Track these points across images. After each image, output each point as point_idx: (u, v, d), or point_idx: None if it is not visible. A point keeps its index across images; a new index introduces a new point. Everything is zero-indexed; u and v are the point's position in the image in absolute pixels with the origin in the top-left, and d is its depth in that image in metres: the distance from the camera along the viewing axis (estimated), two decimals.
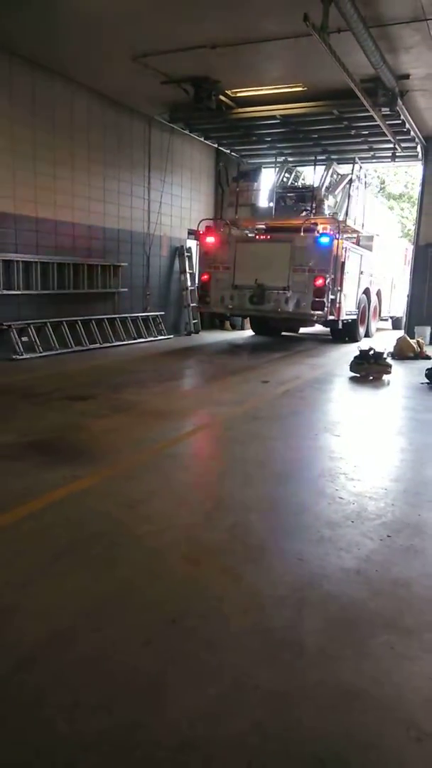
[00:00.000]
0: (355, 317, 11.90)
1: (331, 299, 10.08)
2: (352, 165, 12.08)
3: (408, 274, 15.78)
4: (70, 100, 9.50)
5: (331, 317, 10.27)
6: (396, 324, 17.21)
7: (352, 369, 7.97)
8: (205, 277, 11.00)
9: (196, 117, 10.84)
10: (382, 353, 8.11)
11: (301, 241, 10.07)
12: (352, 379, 7.80)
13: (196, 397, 6.27)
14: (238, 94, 9.95)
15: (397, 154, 12.29)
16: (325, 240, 9.90)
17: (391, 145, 11.65)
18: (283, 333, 13.21)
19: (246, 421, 5.42)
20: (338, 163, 12.88)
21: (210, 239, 10.96)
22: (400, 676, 2.05)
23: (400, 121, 10.17)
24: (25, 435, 4.58)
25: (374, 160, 14.39)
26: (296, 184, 13.48)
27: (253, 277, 10.33)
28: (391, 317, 16.76)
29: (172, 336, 12.12)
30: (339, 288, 10.27)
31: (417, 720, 1.84)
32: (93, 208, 10.27)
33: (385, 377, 7.85)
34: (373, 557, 2.85)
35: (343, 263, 10.39)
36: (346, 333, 11.95)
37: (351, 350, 9.67)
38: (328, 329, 12.60)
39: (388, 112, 9.55)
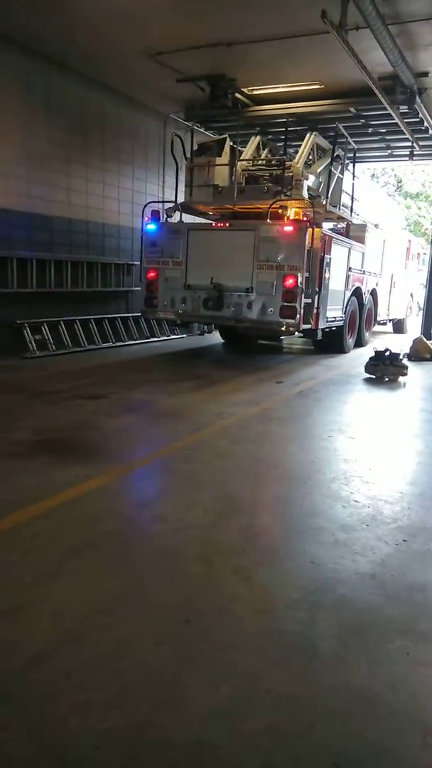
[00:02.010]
0: (341, 324, 9.68)
1: (306, 303, 7.93)
2: (334, 133, 9.40)
3: (410, 269, 14.65)
4: (85, 97, 9.52)
5: (306, 326, 8.08)
6: (398, 327, 15.32)
7: (367, 370, 7.90)
8: (152, 274, 8.85)
9: (211, 115, 10.78)
10: (398, 354, 8.03)
11: (266, 231, 7.88)
12: (368, 380, 7.74)
13: (209, 396, 6.25)
14: (255, 92, 9.90)
15: (415, 152, 12.12)
16: (296, 228, 7.74)
17: (409, 144, 11.50)
18: (261, 341, 10.95)
19: (260, 421, 5.39)
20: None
21: (155, 228, 8.86)
22: (416, 682, 2.02)
23: (418, 119, 10.04)
24: (38, 433, 4.60)
25: (392, 159, 14.25)
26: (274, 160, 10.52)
27: (209, 275, 8.26)
28: (392, 320, 14.46)
29: (185, 335, 12.11)
30: (317, 289, 8.20)
31: None
32: (107, 206, 10.29)
33: (401, 379, 7.77)
34: (389, 561, 2.82)
35: (323, 258, 8.30)
36: (329, 344, 9.71)
37: (348, 359, 9.58)
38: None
39: (406, 110, 9.43)
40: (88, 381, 6.94)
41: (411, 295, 15.72)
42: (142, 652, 2.11)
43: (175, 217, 9.22)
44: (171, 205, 9.28)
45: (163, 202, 9.55)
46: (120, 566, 2.69)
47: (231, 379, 7.29)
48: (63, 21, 7.39)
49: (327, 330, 9.05)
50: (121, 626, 2.25)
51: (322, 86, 9.40)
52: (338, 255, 9.16)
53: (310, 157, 9.38)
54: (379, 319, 12.48)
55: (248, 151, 9.76)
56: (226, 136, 9.37)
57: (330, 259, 8.63)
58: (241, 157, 9.54)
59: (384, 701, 1.91)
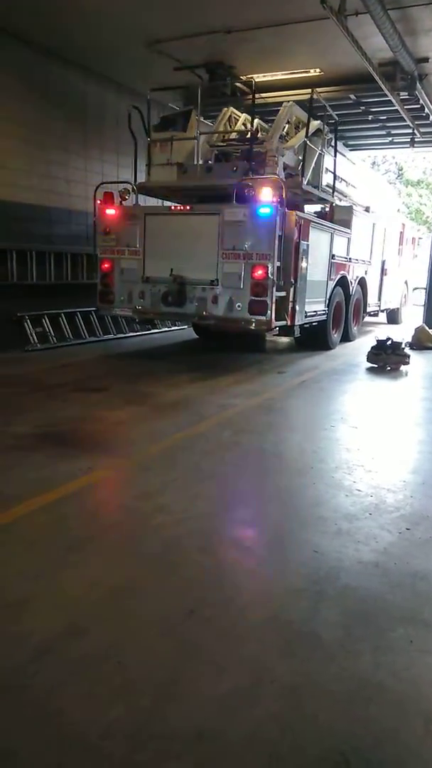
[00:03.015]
0: (323, 318, 8.64)
1: (279, 297, 6.99)
2: (309, 101, 8.01)
3: (404, 255, 13.68)
4: (83, 88, 9.45)
5: (280, 323, 7.15)
6: (392, 317, 14.36)
7: (369, 359, 7.88)
8: (106, 265, 7.80)
9: (210, 103, 10.66)
10: (400, 343, 8.00)
11: (233, 214, 6.86)
12: (370, 369, 7.72)
13: (211, 387, 6.24)
14: (254, 79, 9.80)
15: (416, 139, 12.03)
16: (265, 211, 6.68)
17: (410, 131, 11.42)
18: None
19: (262, 411, 5.39)
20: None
21: (110, 211, 7.73)
22: (419, 670, 2.02)
23: (419, 106, 9.97)
24: (40, 426, 4.59)
25: (393, 146, 14.14)
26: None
27: (169, 266, 7.27)
28: (385, 310, 13.30)
29: (187, 326, 12.08)
30: (292, 280, 7.18)
31: None
32: None
33: (403, 368, 7.75)
34: (392, 550, 2.82)
35: (298, 244, 7.25)
36: (311, 340, 8.84)
37: (349, 351, 9.54)
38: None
39: (407, 97, 9.36)
40: (90, 373, 6.93)
41: (406, 282, 14.72)
42: (145, 643, 2.11)
43: (131, 200, 7.99)
44: (125, 186, 7.96)
45: (117, 182, 8.22)
46: (123, 558, 2.70)
47: (233, 370, 7.27)
48: (60, 9, 7.32)
49: (307, 326, 8.11)
50: (125, 617, 2.25)
51: (322, 73, 9.32)
52: (318, 241, 8.12)
53: (286, 131, 8.22)
54: (369, 310, 11.50)
55: (219, 125, 8.61)
56: (192, 108, 7.82)
57: (307, 245, 7.55)
58: (212, 131, 8.50)
59: (388, 689, 1.92)
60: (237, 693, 1.88)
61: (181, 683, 1.92)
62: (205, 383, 6.43)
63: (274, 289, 6.76)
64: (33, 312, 8.55)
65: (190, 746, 1.67)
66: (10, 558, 2.67)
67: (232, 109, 8.81)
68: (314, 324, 8.39)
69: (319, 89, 9.65)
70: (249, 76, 9.63)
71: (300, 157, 8.18)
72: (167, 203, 8.79)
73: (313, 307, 8.12)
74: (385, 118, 11.36)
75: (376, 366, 7.76)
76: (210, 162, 8.14)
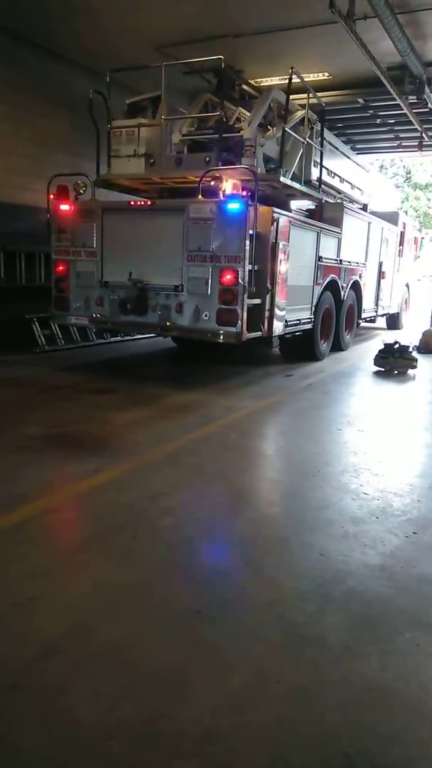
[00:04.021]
0: (309, 327, 7.81)
1: (254, 305, 6.18)
2: (288, 78, 6.81)
3: (406, 257, 12.96)
4: (88, 91, 9.45)
5: (254, 334, 6.25)
6: (392, 322, 13.45)
7: (376, 363, 7.86)
8: (61, 268, 6.96)
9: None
10: (408, 347, 7.98)
11: (198, 210, 6.04)
12: (377, 373, 7.70)
13: (218, 390, 6.26)
14: (262, 84, 9.84)
15: (425, 143, 12.03)
16: (233, 207, 5.83)
17: (418, 134, 11.43)
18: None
19: (269, 414, 5.39)
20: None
21: (63, 207, 6.90)
22: (426, 673, 2.02)
23: (427, 110, 9.97)
24: (48, 428, 4.62)
25: (401, 150, 14.14)
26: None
27: (128, 270, 6.43)
28: (384, 315, 12.47)
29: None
30: (268, 286, 6.41)
31: None
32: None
33: (411, 372, 7.73)
34: (398, 554, 2.81)
35: (275, 245, 6.45)
36: (296, 350, 8.12)
37: (350, 355, 9.50)
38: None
39: (415, 101, 9.37)
40: (98, 375, 6.96)
41: (407, 286, 13.88)
42: (152, 643, 2.12)
43: (88, 195, 7.05)
44: (81, 179, 6.97)
45: (72, 174, 7.03)
46: (130, 558, 2.71)
47: (240, 373, 7.28)
48: (69, 13, 7.38)
49: (289, 336, 7.29)
50: (132, 618, 2.26)
51: (330, 77, 9.34)
52: (301, 241, 7.28)
53: (269, 120, 7.35)
54: (365, 316, 10.58)
55: (192, 112, 7.63)
56: (161, 92, 6.96)
57: (287, 246, 6.71)
58: (179, 116, 7.48)
59: (394, 692, 1.92)
60: (243, 693, 1.89)
61: (188, 683, 1.92)
62: (212, 386, 6.45)
63: (246, 296, 5.90)
64: (41, 314, 8.60)
65: (197, 746, 1.68)
66: (18, 557, 2.69)
67: (209, 95, 7.73)
68: (298, 333, 7.56)
69: (327, 92, 9.67)
70: (257, 80, 9.69)
71: (286, 149, 7.28)
72: (128, 198, 7.60)
73: (296, 314, 7.32)
74: (393, 121, 11.38)
75: (383, 369, 7.75)
76: (181, 153, 7.18)
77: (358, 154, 12.61)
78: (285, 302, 6.81)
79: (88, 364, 7.67)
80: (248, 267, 5.88)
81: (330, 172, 9.12)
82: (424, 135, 11.30)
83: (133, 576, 2.56)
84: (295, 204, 8.35)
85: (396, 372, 7.68)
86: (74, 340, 9.00)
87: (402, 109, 9.60)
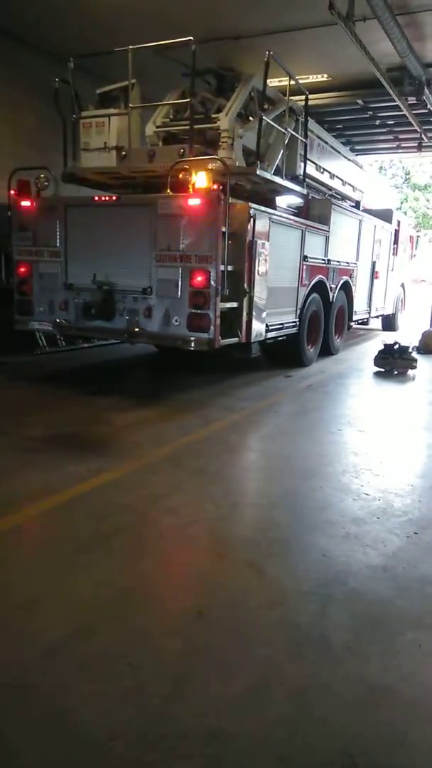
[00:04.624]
0: (294, 331, 7.35)
1: (229, 309, 5.70)
2: (265, 63, 6.10)
3: (401, 256, 12.60)
4: (88, 93, 9.40)
5: (229, 340, 5.74)
6: (387, 324, 12.95)
7: (376, 363, 7.87)
8: (23, 269, 6.48)
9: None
10: (408, 347, 7.99)
11: (166, 206, 5.54)
12: (377, 373, 7.71)
13: (218, 390, 6.26)
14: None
15: (424, 144, 12.05)
16: (203, 202, 5.34)
17: (417, 135, 11.44)
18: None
19: (270, 415, 5.40)
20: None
21: (25, 203, 6.41)
22: (428, 674, 2.02)
23: (426, 111, 9.98)
24: (49, 428, 4.62)
25: (400, 151, 14.16)
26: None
27: (92, 271, 5.98)
28: (378, 316, 11.96)
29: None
30: (246, 288, 5.91)
31: None
32: None
33: (411, 372, 7.73)
34: (400, 554, 2.82)
35: (253, 243, 5.94)
36: (281, 356, 7.72)
37: (351, 356, 9.50)
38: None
39: (415, 102, 9.37)
40: (99, 376, 6.97)
41: (402, 286, 13.43)
42: (155, 644, 2.12)
43: (52, 190, 6.55)
44: (42, 173, 6.46)
45: (34, 168, 6.49)
46: (132, 559, 2.71)
47: (240, 374, 7.28)
48: (68, 13, 7.38)
49: (271, 341, 6.82)
50: (134, 619, 2.26)
51: (330, 78, 9.35)
52: (284, 240, 6.83)
53: (246, 105, 6.70)
54: (357, 318, 10.10)
55: (168, 101, 6.98)
56: (135, 80, 6.44)
57: (266, 245, 6.23)
58: (159, 109, 6.97)
59: (397, 693, 1.92)
60: (246, 694, 1.89)
61: (190, 684, 1.93)
62: (212, 386, 6.45)
63: (218, 299, 5.39)
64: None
65: (200, 747, 1.68)
66: (20, 558, 2.69)
67: (187, 85, 6.93)
68: (282, 338, 7.10)
69: (327, 94, 9.66)
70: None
71: (270, 141, 6.82)
72: (96, 194, 6.88)
73: (279, 318, 6.85)
74: (392, 123, 11.40)
75: (383, 370, 7.75)
76: (157, 145, 6.70)
77: (357, 155, 12.58)
78: (265, 305, 6.33)
79: (87, 366, 7.67)
80: (221, 267, 5.39)
81: (318, 167, 8.66)
82: (423, 136, 11.32)
83: (135, 577, 2.56)
84: (284, 201, 8.05)
85: (396, 372, 7.69)
86: (75, 342, 9.00)
87: (401, 111, 9.62)
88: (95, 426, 4.77)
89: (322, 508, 3.33)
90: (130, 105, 6.29)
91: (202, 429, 4.80)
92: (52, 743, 1.69)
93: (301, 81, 9.37)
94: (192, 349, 5.54)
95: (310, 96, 9.71)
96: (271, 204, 6.93)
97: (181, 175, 5.65)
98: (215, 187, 5.44)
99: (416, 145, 12.28)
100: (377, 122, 11.25)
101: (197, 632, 2.19)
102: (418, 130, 10.81)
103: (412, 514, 3.28)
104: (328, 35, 7.36)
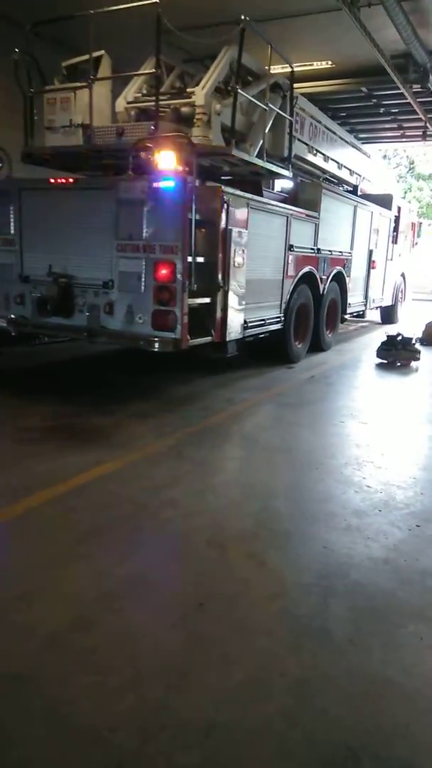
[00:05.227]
0: (279, 327, 6.80)
1: (201, 305, 5.11)
2: (240, 30, 5.60)
3: (401, 244, 12.07)
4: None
5: (200, 339, 5.14)
6: (386, 316, 12.35)
7: (379, 355, 7.83)
8: None
9: None
10: (411, 339, 7.94)
11: (128, 189, 4.94)
12: (380, 365, 7.67)
13: (219, 382, 6.24)
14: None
15: (428, 132, 11.94)
16: (166, 184, 4.76)
17: (422, 124, 11.34)
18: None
19: (272, 406, 5.38)
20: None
21: None
22: (429, 667, 2.01)
23: (431, 99, 9.86)
24: (49, 419, 4.61)
25: (404, 140, 14.03)
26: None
27: (49, 261, 5.40)
28: (376, 308, 11.45)
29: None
30: (220, 281, 5.29)
31: None
32: None
33: (414, 364, 7.69)
34: (402, 547, 2.80)
35: (227, 232, 5.29)
36: (265, 353, 7.16)
37: (352, 346, 9.46)
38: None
39: (419, 89, 9.27)
40: (99, 367, 6.96)
41: (402, 276, 12.78)
42: (155, 635, 2.12)
43: (5, 173, 6.01)
44: None
45: None
46: (132, 551, 2.71)
47: (242, 365, 7.26)
48: None
49: (251, 339, 6.22)
50: (134, 610, 2.26)
51: (333, 65, 9.24)
52: (266, 228, 6.25)
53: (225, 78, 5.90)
54: (351, 310, 9.53)
55: (140, 77, 6.25)
56: (103, 52, 5.89)
57: (245, 233, 5.62)
58: (131, 84, 6.25)
59: (397, 685, 1.91)
60: (247, 686, 1.88)
61: (191, 676, 1.92)
62: (213, 377, 6.42)
63: (186, 294, 4.77)
64: None
65: (200, 738, 1.68)
66: (19, 549, 2.68)
67: (162, 58, 6.22)
68: (264, 335, 6.52)
69: (330, 81, 9.53)
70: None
71: (253, 119, 6.21)
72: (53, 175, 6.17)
73: (260, 313, 6.27)
74: (396, 111, 11.27)
75: (385, 362, 7.72)
76: (128, 122, 6.05)
77: (362, 143, 12.44)
78: (244, 300, 5.71)
79: (85, 357, 7.65)
80: (189, 259, 4.74)
81: (311, 149, 8.00)
82: (428, 124, 11.21)
83: (135, 568, 2.55)
84: (280, 187, 7.65)
85: (399, 364, 7.65)
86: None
87: (406, 98, 9.51)
88: (95, 417, 4.76)
89: (323, 500, 3.32)
90: (91, 77, 5.63)
91: (203, 420, 4.78)
92: (51, 734, 1.69)
93: (304, 68, 9.31)
94: (156, 350, 4.90)
95: (314, 84, 9.63)
96: (258, 189, 6.41)
97: (144, 155, 5.11)
98: (182, 168, 4.89)
99: (421, 133, 12.17)
100: (381, 110, 11.13)
101: (198, 624, 2.19)
102: (423, 118, 10.70)
103: (414, 507, 3.27)
104: (332, 21, 7.26)
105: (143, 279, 4.90)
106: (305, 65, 9.29)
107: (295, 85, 7.93)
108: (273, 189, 7.98)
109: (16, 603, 2.27)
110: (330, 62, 9.15)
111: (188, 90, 5.89)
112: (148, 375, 6.46)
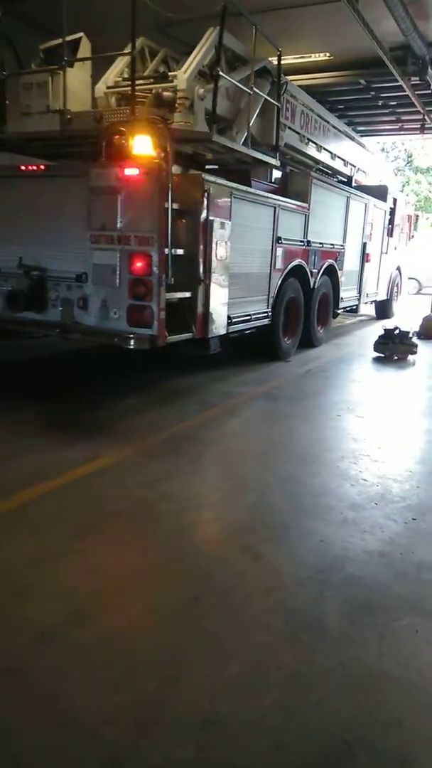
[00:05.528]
0: (265, 322, 6.50)
1: (180, 299, 4.82)
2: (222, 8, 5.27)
3: (396, 236, 11.72)
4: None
5: (179, 336, 4.85)
6: (381, 311, 12.04)
7: (376, 349, 7.82)
8: None
9: None
10: (408, 333, 7.94)
11: (101, 177, 4.70)
12: (377, 359, 7.67)
13: (216, 375, 6.22)
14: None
15: (426, 125, 11.88)
16: (140, 172, 4.52)
17: (420, 116, 11.28)
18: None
19: (268, 400, 5.37)
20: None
21: None
22: (425, 660, 2.01)
23: (430, 91, 9.82)
24: (43, 413, 4.59)
25: (402, 132, 13.98)
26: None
27: (19, 252, 5.15)
28: (371, 302, 11.17)
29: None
30: (201, 275, 5.00)
31: None
32: None
33: (411, 357, 7.69)
34: (398, 540, 2.80)
35: (208, 223, 5.01)
36: (252, 350, 6.96)
37: (351, 341, 9.46)
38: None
39: (418, 82, 9.21)
40: (95, 360, 6.93)
41: (398, 269, 12.42)
42: (150, 629, 2.12)
43: None
44: None
45: None
46: (128, 545, 2.70)
47: (239, 358, 7.24)
48: None
49: (236, 335, 5.95)
50: (130, 604, 2.26)
51: (331, 57, 9.17)
52: (251, 218, 5.98)
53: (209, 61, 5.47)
54: (344, 305, 9.25)
55: (119, 61, 5.87)
56: (82, 34, 5.60)
57: (228, 224, 5.32)
58: (111, 67, 5.89)
59: (393, 678, 1.91)
60: (242, 679, 1.88)
61: (186, 669, 1.92)
62: (208, 371, 6.40)
63: (163, 288, 4.52)
64: None
65: (195, 732, 1.68)
66: (15, 543, 2.67)
67: (145, 40, 6.00)
68: (250, 331, 6.30)
69: (328, 73, 9.47)
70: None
71: (240, 106, 5.85)
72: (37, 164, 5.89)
73: (245, 309, 6.01)
74: (395, 103, 11.21)
75: (383, 355, 7.71)
76: (108, 107, 5.71)
77: (360, 136, 12.34)
78: (227, 294, 5.43)
79: (85, 349, 7.62)
80: (166, 251, 4.49)
81: (303, 138, 7.69)
82: (426, 117, 11.15)
83: (130, 562, 2.55)
84: (275, 176, 7.41)
85: (396, 358, 7.65)
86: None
87: (404, 91, 9.46)
88: (92, 410, 4.74)
89: (320, 494, 3.32)
90: (65, 59, 5.31)
91: (199, 414, 4.78)
92: (46, 728, 1.68)
93: (302, 60, 9.25)
94: (132, 347, 4.68)
95: (311, 76, 9.55)
96: (246, 179, 6.14)
97: (118, 140, 4.83)
98: (158, 154, 4.63)
99: (419, 126, 12.12)
100: (380, 103, 11.07)
101: (193, 617, 2.18)
102: (421, 111, 10.64)
103: (410, 500, 3.27)
104: (330, 12, 7.19)
105: (118, 272, 4.64)
106: (303, 57, 9.23)
107: (294, 78, 8.01)
108: (271, 179, 7.79)
109: (11, 597, 2.26)
110: (328, 54, 9.08)
111: (171, 74, 5.53)
112: (143, 368, 6.44)
